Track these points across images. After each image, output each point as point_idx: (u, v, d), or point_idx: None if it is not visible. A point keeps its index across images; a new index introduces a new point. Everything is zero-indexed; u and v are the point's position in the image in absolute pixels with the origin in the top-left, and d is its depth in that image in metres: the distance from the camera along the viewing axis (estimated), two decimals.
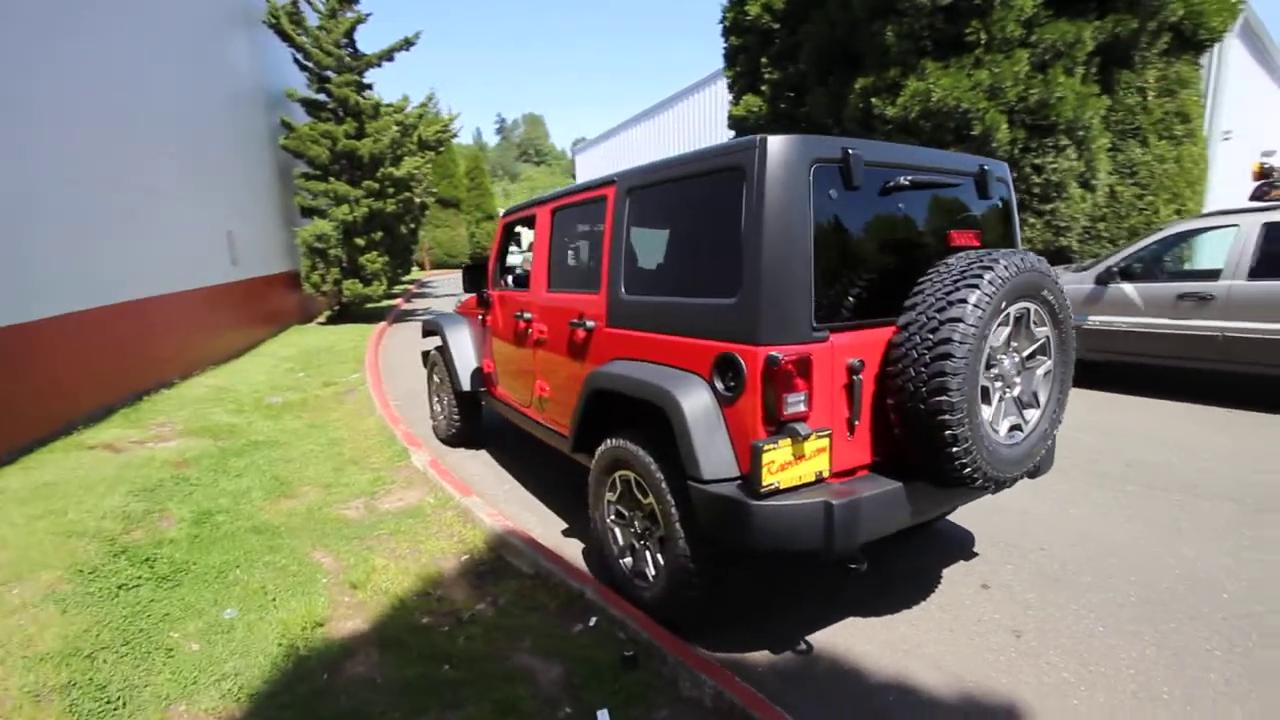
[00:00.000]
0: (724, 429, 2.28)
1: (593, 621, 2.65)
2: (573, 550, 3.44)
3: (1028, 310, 2.30)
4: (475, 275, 4.34)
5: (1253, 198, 5.95)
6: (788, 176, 2.12)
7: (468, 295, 5.52)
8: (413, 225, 15.78)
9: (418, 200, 16.08)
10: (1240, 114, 13.76)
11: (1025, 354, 2.36)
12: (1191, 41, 10.29)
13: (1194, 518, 3.58)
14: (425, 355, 5.77)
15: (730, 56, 13.44)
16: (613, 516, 2.92)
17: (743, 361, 2.17)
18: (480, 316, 4.65)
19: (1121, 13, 8.98)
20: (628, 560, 2.86)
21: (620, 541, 2.89)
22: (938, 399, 2.06)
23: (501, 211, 4.49)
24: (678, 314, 2.49)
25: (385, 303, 15.58)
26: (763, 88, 12.46)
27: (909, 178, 2.37)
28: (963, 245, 2.48)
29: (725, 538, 2.24)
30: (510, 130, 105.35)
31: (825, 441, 2.17)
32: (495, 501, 4.04)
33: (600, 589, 2.78)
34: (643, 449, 2.58)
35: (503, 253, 4.42)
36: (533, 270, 3.72)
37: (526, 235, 4.34)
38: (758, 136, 2.18)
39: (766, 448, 2.06)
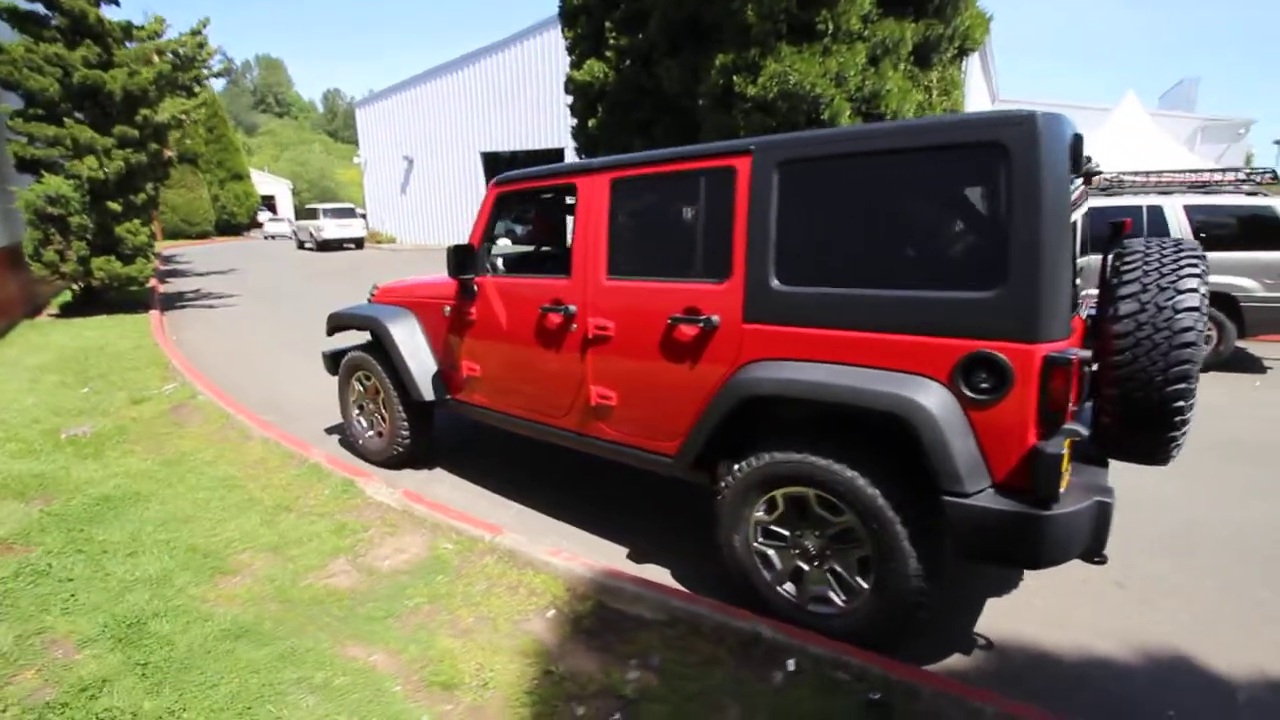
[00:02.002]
0: (972, 436, 2.08)
1: (791, 665, 2.30)
2: (659, 578, 2.99)
3: None
4: (465, 257, 3.46)
5: None
6: (1059, 157, 1.95)
7: (393, 282, 4.49)
8: (156, 186, 12.23)
9: (167, 154, 12.70)
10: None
11: None
12: (962, 48, 12.23)
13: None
14: (333, 358, 4.57)
15: (569, 16, 12.74)
16: (762, 539, 2.57)
17: (1009, 362, 1.98)
18: (448, 308, 3.76)
19: (930, 18, 10.32)
20: (789, 587, 2.54)
21: (778, 566, 2.55)
22: (1179, 386, 2.09)
23: (493, 181, 3.62)
24: (888, 308, 2.19)
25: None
26: (608, 53, 12.04)
27: (1092, 161, 2.35)
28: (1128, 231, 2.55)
29: (1004, 556, 2.06)
30: (240, 75, 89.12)
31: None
32: (517, 532, 3.34)
33: (778, 625, 2.42)
34: (838, 462, 2.27)
35: (491, 230, 3.59)
36: (578, 252, 3.07)
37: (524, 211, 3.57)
38: (1021, 112, 1.96)
39: (1063, 452, 1.91)
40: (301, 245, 25.72)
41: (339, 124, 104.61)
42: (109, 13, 9.09)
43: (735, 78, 9.84)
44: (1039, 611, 2.74)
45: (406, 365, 3.91)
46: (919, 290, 2.15)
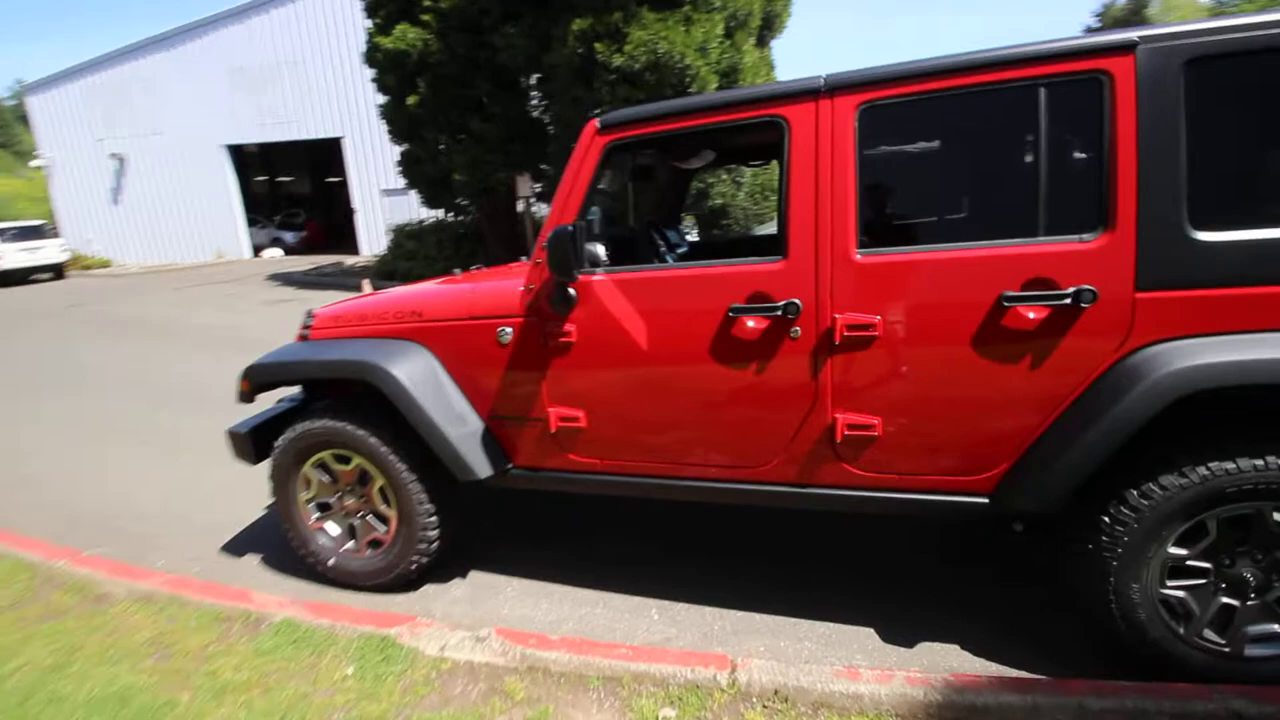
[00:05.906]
0: None
1: None
2: (957, 664, 2.17)
3: None
4: (573, 248, 2.18)
5: None
6: None
7: (348, 303, 2.97)
8: None
9: None
10: None
11: None
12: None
13: None
14: (256, 436, 2.86)
15: None
16: (1172, 581, 1.89)
17: None
18: (507, 331, 2.43)
19: None
20: (1209, 633, 1.90)
21: (1196, 611, 1.89)
22: None
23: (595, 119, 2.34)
24: None
25: None
26: (424, 17, 10.20)
27: None
28: None
29: None
30: None
31: None
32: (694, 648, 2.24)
33: (1243, 690, 1.77)
34: None
35: (590, 204, 2.34)
36: (797, 219, 2.04)
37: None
38: None
39: None
40: None
41: None
42: None
43: (597, 45, 8.87)
44: None
45: (437, 428, 2.47)
46: None
